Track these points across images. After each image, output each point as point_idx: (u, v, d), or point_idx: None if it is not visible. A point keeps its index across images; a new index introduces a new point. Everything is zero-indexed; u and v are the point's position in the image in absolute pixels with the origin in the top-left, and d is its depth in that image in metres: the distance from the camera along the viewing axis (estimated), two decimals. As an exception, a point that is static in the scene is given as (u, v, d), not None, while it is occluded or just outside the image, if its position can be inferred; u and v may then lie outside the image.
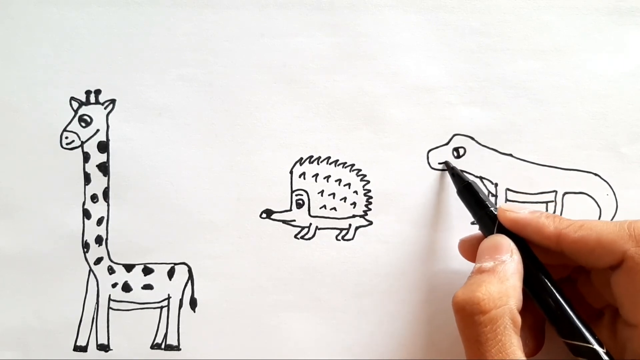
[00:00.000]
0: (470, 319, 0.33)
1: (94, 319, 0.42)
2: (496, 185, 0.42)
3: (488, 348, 0.32)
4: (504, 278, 0.34)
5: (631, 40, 0.42)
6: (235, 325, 0.42)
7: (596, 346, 0.33)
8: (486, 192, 0.42)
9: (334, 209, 0.42)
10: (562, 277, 0.39)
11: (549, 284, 0.35)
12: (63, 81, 0.42)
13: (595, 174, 0.42)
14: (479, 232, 0.39)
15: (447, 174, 0.42)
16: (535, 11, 0.42)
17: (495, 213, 0.37)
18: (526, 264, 0.35)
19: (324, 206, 0.42)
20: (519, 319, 0.33)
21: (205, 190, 0.42)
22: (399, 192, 0.42)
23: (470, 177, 0.42)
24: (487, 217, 0.38)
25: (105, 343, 0.42)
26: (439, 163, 0.42)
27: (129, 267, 0.42)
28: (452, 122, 0.42)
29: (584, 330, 0.34)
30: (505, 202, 0.42)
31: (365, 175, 0.42)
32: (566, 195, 0.42)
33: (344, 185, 0.42)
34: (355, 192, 0.42)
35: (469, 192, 0.39)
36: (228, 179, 0.42)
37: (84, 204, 0.42)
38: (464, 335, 0.33)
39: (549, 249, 0.36)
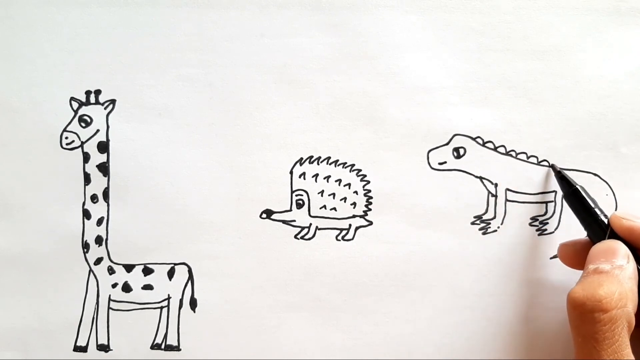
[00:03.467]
0: (589, 315, 0.33)
1: (94, 319, 0.42)
2: (496, 185, 0.42)
3: (604, 347, 0.32)
4: (622, 281, 0.34)
5: (631, 40, 0.42)
6: (235, 325, 0.42)
7: None
8: (489, 190, 0.42)
9: (334, 209, 0.42)
10: None
11: None
12: (63, 81, 0.42)
13: (595, 174, 0.42)
14: (580, 238, 0.39)
15: (448, 174, 0.42)
16: (535, 11, 0.42)
17: (605, 220, 0.38)
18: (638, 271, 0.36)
19: (324, 206, 0.42)
20: (633, 322, 0.34)
21: (205, 190, 0.42)
22: (399, 192, 0.42)
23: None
24: (596, 224, 0.38)
25: (105, 343, 0.42)
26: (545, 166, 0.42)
27: (129, 268, 0.42)
28: (452, 122, 0.42)
29: None
30: (506, 202, 0.42)
31: (365, 175, 0.42)
32: (566, 195, 0.42)
33: (344, 186, 0.42)
34: (356, 192, 0.42)
35: (576, 198, 0.39)
36: (228, 179, 0.42)
37: (84, 204, 0.42)
38: (578, 331, 0.34)
39: None
